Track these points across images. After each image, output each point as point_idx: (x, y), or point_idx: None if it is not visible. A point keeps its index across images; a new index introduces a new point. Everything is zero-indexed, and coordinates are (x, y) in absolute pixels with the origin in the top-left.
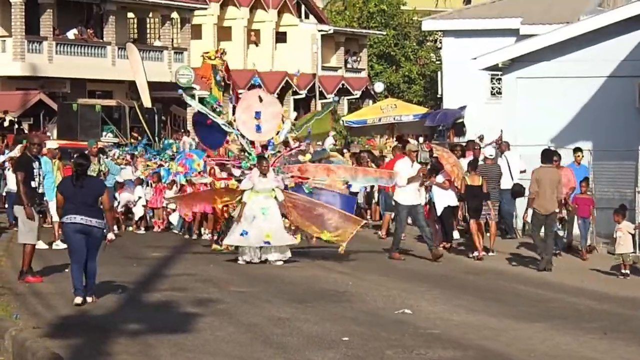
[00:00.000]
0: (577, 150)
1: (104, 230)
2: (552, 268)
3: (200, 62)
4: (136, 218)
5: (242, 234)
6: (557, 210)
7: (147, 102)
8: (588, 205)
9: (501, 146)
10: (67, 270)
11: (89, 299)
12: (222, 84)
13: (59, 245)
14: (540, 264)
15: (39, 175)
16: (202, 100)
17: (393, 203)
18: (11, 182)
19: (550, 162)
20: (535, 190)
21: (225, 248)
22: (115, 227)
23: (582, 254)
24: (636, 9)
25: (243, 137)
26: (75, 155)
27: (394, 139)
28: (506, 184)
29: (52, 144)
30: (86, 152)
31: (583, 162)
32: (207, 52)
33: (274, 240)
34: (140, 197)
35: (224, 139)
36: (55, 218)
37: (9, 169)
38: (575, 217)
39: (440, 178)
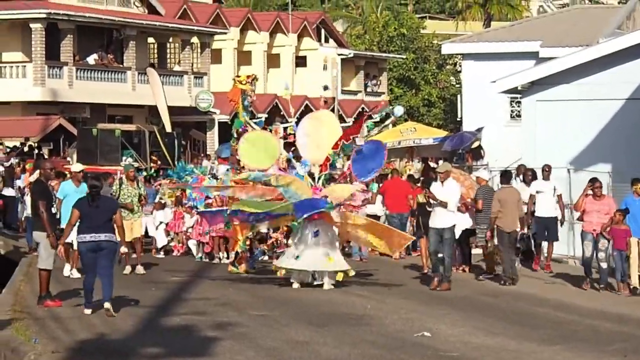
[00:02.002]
0: (635, 181)
1: (116, 244)
2: (518, 283)
3: (231, 85)
4: (159, 245)
5: (296, 258)
6: (519, 229)
7: (168, 126)
8: (624, 237)
9: (518, 169)
10: None
11: (106, 305)
12: (250, 109)
13: (74, 274)
14: (504, 278)
15: (55, 200)
16: (232, 120)
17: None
18: (30, 207)
19: (509, 183)
20: (498, 210)
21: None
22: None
23: (618, 288)
24: None
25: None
26: (89, 178)
27: (414, 161)
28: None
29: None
30: (122, 175)
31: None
32: (239, 77)
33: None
34: (161, 222)
35: None
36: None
37: (27, 194)
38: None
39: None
